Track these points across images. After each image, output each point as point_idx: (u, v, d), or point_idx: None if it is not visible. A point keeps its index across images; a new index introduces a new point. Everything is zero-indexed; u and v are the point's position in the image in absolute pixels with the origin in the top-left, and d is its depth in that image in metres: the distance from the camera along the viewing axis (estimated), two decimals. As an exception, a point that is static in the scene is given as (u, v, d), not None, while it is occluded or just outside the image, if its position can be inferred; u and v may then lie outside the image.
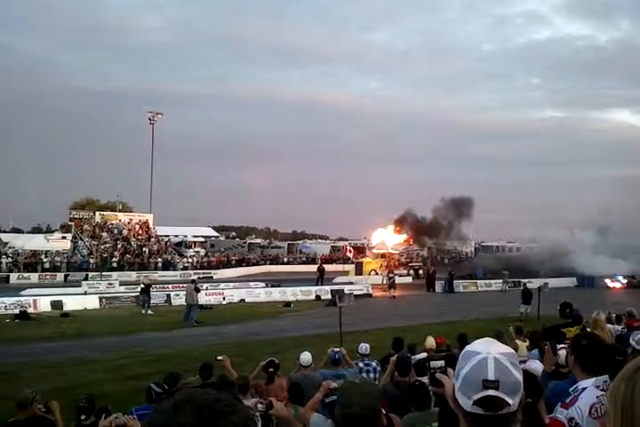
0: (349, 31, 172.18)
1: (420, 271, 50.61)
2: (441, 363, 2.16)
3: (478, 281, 43.93)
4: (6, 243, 53.87)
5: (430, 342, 10.08)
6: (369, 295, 35.78)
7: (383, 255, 52.62)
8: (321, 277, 41.23)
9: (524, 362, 7.57)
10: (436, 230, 58.16)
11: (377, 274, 47.92)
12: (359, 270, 49.27)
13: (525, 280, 35.90)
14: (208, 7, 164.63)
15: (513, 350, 1.78)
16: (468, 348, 1.78)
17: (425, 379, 6.45)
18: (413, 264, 53.72)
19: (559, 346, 6.42)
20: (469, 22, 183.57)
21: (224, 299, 32.70)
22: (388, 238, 57.15)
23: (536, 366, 6.75)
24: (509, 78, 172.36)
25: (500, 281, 42.13)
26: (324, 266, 45.32)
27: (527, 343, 10.52)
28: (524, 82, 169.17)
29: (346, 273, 49.12)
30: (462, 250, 65.06)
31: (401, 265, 51.95)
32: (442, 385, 1.98)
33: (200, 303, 26.67)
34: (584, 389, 3.36)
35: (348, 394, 3.05)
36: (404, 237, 57.59)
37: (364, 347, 9.27)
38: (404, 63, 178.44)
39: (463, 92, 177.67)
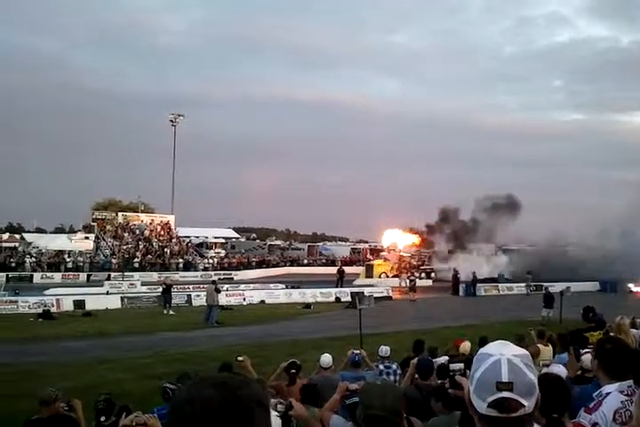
0: (367, 32, 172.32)
1: (433, 274, 50.17)
2: (460, 366, 2.16)
3: (500, 284, 43.57)
4: (30, 243, 54.65)
5: (467, 346, 9.86)
6: (389, 298, 35.65)
7: (387, 258, 52.40)
8: (341, 280, 41.13)
9: (548, 366, 7.50)
10: (476, 232, 56.19)
11: (387, 276, 47.72)
12: (369, 273, 49.06)
13: (547, 284, 35.50)
14: (226, 8, 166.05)
15: (527, 352, 1.76)
16: (481, 350, 1.78)
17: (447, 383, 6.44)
18: (425, 267, 52.87)
19: (583, 351, 6.35)
20: (490, 24, 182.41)
21: (244, 300, 32.82)
22: (400, 240, 56.83)
23: (559, 370, 6.68)
24: (530, 80, 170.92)
25: (523, 284, 41.77)
26: (344, 268, 45.24)
27: (549, 347, 10.40)
28: (545, 84, 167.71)
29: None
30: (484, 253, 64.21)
31: (412, 268, 51.28)
32: (461, 388, 1.97)
33: (220, 304, 26.81)
34: (608, 394, 3.31)
35: (370, 395, 3.04)
36: (414, 238, 57.10)
37: (385, 349, 9.24)
38: (423, 64, 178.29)
39: (483, 93, 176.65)
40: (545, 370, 6.36)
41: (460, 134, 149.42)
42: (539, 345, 10.20)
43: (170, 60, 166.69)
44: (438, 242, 57.84)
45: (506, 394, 1.64)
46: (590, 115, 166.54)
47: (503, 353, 1.70)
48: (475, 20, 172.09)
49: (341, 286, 38.94)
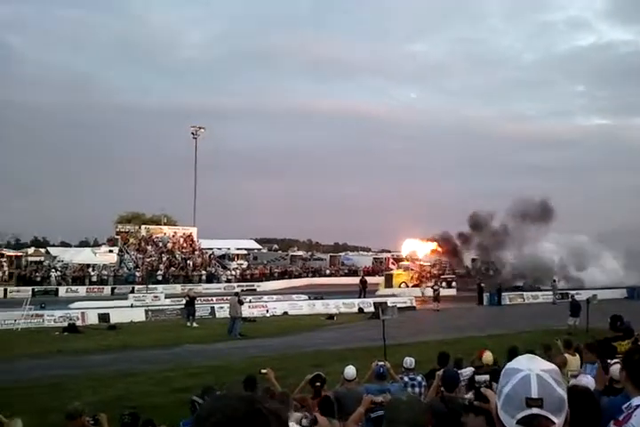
0: (388, 42, 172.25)
1: (454, 284, 49.58)
2: (485, 377, 2.14)
3: (524, 293, 43.08)
4: (55, 257, 55.34)
5: (489, 357, 9.77)
6: (412, 308, 35.43)
7: (412, 267, 51.98)
8: (363, 290, 40.98)
9: (575, 377, 7.38)
10: (508, 241, 54.11)
11: (407, 286, 47.35)
12: (389, 283, 48.73)
13: (573, 292, 35.08)
14: (246, 22, 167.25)
15: (556, 367, 1.73)
16: (509, 365, 1.75)
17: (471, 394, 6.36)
18: (446, 276, 51.69)
19: (612, 361, 6.24)
20: (511, 31, 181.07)
21: (267, 311, 32.85)
22: (420, 249, 56.27)
23: (587, 381, 6.56)
24: (553, 86, 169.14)
25: (548, 293, 41.32)
26: (366, 278, 45.12)
27: (577, 357, 10.25)
28: (567, 89, 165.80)
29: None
30: (506, 261, 63.15)
31: (432, 277, 50.73)
32: (487, 400, 1.94)
33: (243, 316, 26.86)
34: (638, 406, 3.25)
35: (395, 409, 3.02)
36: (433, 246, 56.28)
37: (409, 361, 9.16)
38: (444, 73, 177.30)
39: (505, 100, 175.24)
40: (573, 381, 6.27)
41: (483, 142, 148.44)
42: (566, 355, 10.05)
43: (190, 74, 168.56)
44: (468, 250, 56.88)
45: (535, 411, 1.60)
46: (614, 119, 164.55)
47: (532, 368, 1.66)
48: (495, 27, 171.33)
49: (364, 297, 38.79)
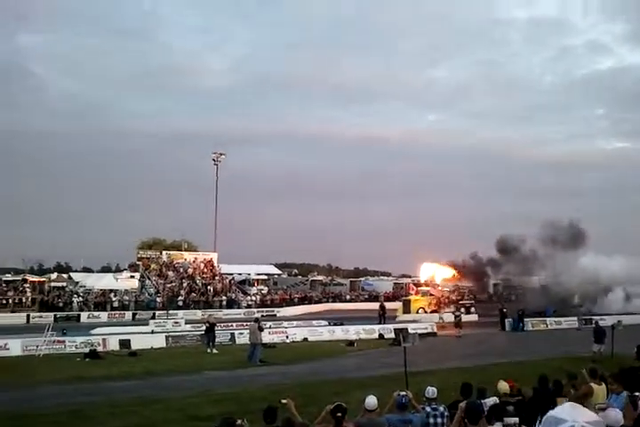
0: (408, 66, 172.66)
1: (472, 309, 48.91)
2: (515, 420, 2.10)
3: (548, 319, 42.46)
4: (77, 282, 55.81)
5: (504, 386, 9.60)
6: (433, 334, 35.05)
7: (432, 293, 51.48)
8: (383, 316, 40.88)
9: (603, 410, 7.21)
10: (536, 266, 53.16)
11: (425, 312, 46.89)
12: (407, 308, 48.29)
13: (597, 318, 34.50)
14: (266, 46, 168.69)
15: (599, 418, 1.70)
16: (552, 413, 1.70)
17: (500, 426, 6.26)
18: (464, 302, 51.02)
19: None
20: (530, 54, 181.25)
21: (287, 337, 32.69)
22: (438, 274, 55.76)
23: (616, 414, 6.41)
24: (572, 109, 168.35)
25: (572, 318, 40.69)
26: (385, 304, 45.00)
27: (603, 386, 10.04)
28: (587, 113, 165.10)
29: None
30: (529, 286, 62.07)
31: (451, 303, 50.12)
32: None
33: (263, 342, 26.77)
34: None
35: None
36: (451, 272, 55.68)
37: (431, 391, 9.04)
38: (465, 97, 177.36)
39: (525, 124, 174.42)
40: (601, 415, 6.14)
41: (503, 166, 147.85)
42: (592, 384, 9.84)
43: (212, 99, 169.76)
44: (496, 275, 56.00)
45: None
46: (636, 143, 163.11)
47: (577, 420, 1.64)
48: (515, 50, 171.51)
49: (384, 323, 38.51)
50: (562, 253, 51.86)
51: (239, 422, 7.79)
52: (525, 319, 40.10)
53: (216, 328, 29.78)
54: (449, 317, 41.45)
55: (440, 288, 53.37)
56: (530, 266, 52.76)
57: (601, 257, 52.36)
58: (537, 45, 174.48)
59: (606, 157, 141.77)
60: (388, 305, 50.31)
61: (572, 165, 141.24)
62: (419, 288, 55.57)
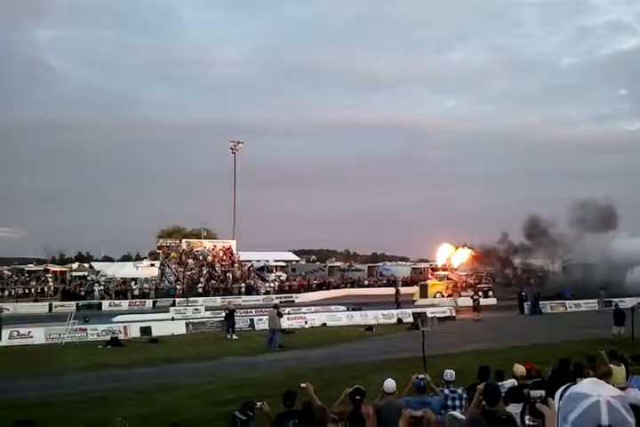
0: (425, 52, 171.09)
1: (490, 293, 48.60)
2: (541, 393, 2.08)
3: (567, 301, 42.18)
4: (99, 271, 56.40)
5: (520, 369, 9.51)
6: (452, 318, 35.02)
7: (450, 277, 51.25)
8: (397, 300, 41.31)
9: (623, 389, 7.18)
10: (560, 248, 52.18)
11: (442, 296, 46.76)
12: (424, 293, 48.20)
13: (617, 300, 34.21)
14: (282, 37, 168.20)
15: (623, 393, 1.68)
16: (575, 389, 1.70)
17: (517, 407, 6.25)
18: (482, 286, 50.13)
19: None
20: (549, 36, 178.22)
21: (306, 323, 32.85)
22: (455, 258, 55.35)
23: (635, 394, 6.40)
24: (594, 91, 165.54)
25: (592, 301, 40.37)
26: (400, 288, 45.50)
27: (622, 367, 9.99)
28: (610, 94, 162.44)
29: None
30: (550, 269, 61.27)
31: (468, 287, 49.80)
32: (542, 416, 1.90)
33: (282, 328, 26.93)
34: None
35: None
36: (468, 255, 55.05)
37: (450, 373, 9.05)
38: (484, 81, 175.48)
39: (546, 106, 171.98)
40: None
41: (525, 149, 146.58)
42: (611, 365, 9.80)
43: (229, 90, 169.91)
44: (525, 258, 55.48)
45: None
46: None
47: (601, 394, 1.62)
48: (533, 32, 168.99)
49: (399, 307, 38.71)
50: (590, 234, 50.97)
51: (259, 404, 7.91)
52: (544, 302, 39.88)
53: (235, 315, 30.00)
54: (463, 301, 41.31)
55: (458, 272, 53.09)
56: (555, 249, 52.15)
57: (629, 239, 51.57)
58: (556, 26, 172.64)
59: (630, 138, 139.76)
60: (407, 290, 50.34)
61: (594, 148, 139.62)
62: (436, 273, 55.37)
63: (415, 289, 50.98)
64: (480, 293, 43.59)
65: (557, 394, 1.75)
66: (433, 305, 40.44)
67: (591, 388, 1.66)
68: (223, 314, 30.57)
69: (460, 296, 44.87)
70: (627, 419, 1.60)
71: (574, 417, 1.63)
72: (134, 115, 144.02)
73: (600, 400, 1.60)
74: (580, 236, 51.51)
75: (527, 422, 4.19)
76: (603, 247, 49.26)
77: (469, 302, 38.12)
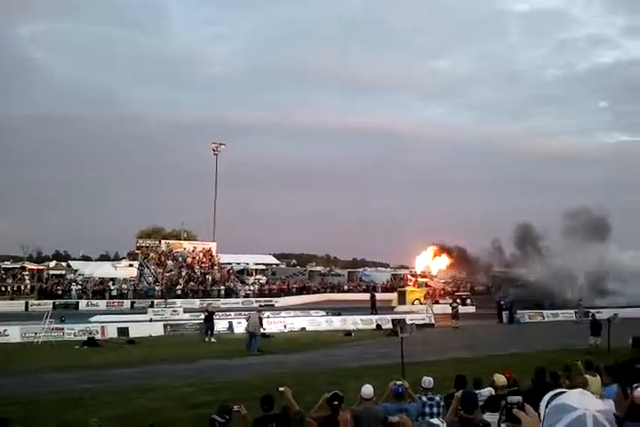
0: (413, 59, 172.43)
1: (468, 301, 48.87)
2: (518, 398, 2.10)
3: (544, 311, 42.53)
4: (76, 270, 55.94)
5: (501, 379, 9.44)
6: (431, 325, 35.17)
7: (430, 284, 51.43)
8: (373, 305, 41.32)
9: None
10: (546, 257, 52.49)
11: (420, 303, 46.97)
12: (402, 299, 48.38)
13: (594, 311, 34.53)
14: (273, 38, 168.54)
15: (609, 407, 1.70)
16: (561, 400, 1.70)
17: (494, 416, 6.30)
18: (460, 293, 50.69)
19: (635, 385, 6.16)
20: (532, 47, 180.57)
21: (285, 327, 32.80)
22: (433, 264, 55.57)
23: (610, 404, 6.48)
24: (575, 103, 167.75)
25: (569, 311, 40.75)
26: (376, 294, 45.91)
27: (597, 378, 10.10)
28: (590, 106, 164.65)
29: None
30: (529, 279, 61.53)
31: (446, 294, 49.99)
32: (519, 421, 1.91)
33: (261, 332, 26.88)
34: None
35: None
36: (447, 262, 55.27)
37: (428, 381, 9.11)
38: (468, 89, 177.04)
39: (528, 117, 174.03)
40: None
41: (507, 158, 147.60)
42: (586, 376, 9.91)
43: (215, 89, 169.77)
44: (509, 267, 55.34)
45: None
46: (637, 135, 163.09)
47: (588, 408, 1.62)
48: (518, 43, 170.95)
49: (375, 313, 38.88)
50: (580, 243, 50.87)
51: (236, 408, 7.91)
52: (521, 311, 40.18)
53: (214, 317, 29.86)
54: (442, 308, 41.40)
55: (437, 280, 53.31)
56: (537, 258, 52.48)
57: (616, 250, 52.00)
58: (539, 38, 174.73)
59: (609, 150, 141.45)
60: (386, 296, 50.50)
61: (574, 159, 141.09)
62: (417, 279, 55.58)
63: (394, 295, 51.12)
64: (458, 300, 43.82)
65: (544, 401, 1.75)
66: (412, 312, 40.56)
67: (579, 400, 1.67)
68: (202, 316, 30.41)
69: (437, 303, 45.02)
70: None
71: None
72: (117, 111, 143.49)
73: (586, 414, 1.61)
74: (564, 245, 51.97)
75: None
76: (581, 257, 49.67)
77: (448, 309, 38.29)
